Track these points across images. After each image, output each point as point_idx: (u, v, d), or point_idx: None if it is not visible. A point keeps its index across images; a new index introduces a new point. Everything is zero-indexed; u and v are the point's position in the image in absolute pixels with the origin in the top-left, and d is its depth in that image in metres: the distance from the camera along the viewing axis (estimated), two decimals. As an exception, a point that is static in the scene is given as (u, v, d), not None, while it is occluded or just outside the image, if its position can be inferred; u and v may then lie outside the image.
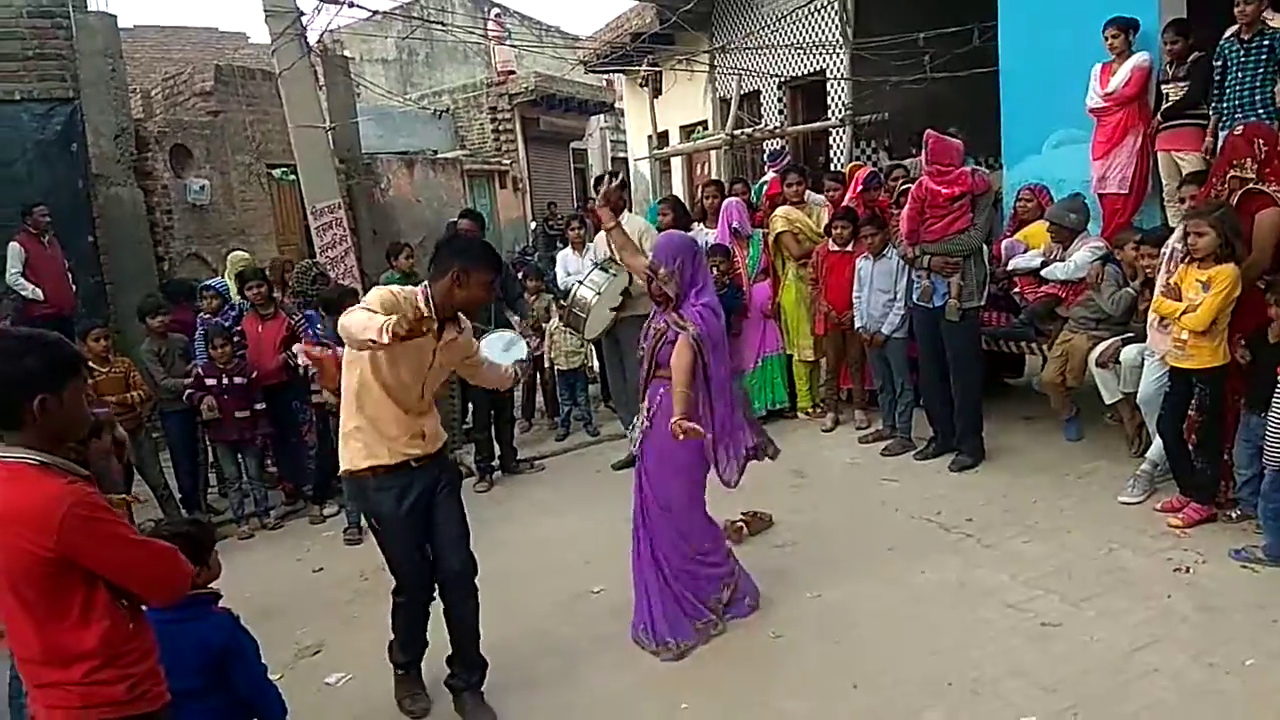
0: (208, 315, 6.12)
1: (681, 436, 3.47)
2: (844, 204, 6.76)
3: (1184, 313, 4.17)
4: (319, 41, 8.06)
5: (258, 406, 5.81)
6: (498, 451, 6.37)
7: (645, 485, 3.85)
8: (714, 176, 10.84)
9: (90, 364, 5.15)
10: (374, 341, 2.82)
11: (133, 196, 9.08)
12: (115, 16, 9.23)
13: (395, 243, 6.93)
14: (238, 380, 5.68)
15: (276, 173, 11.23)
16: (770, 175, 8.29)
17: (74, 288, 8.01)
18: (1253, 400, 4.10)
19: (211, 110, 10.61)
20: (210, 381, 5.63)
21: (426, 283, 3.23)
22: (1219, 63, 5.44)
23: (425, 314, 2.90)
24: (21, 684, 3.22)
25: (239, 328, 5.96)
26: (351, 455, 3.27)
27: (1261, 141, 4.35)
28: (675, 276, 3.66)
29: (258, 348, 5.87)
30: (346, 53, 14.20)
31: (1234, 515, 4.32)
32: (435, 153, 16.10)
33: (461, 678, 3.49)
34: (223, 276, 7.30)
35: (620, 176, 4.81)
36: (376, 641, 4.10)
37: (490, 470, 6.20)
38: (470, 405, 6.45)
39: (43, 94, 8.55)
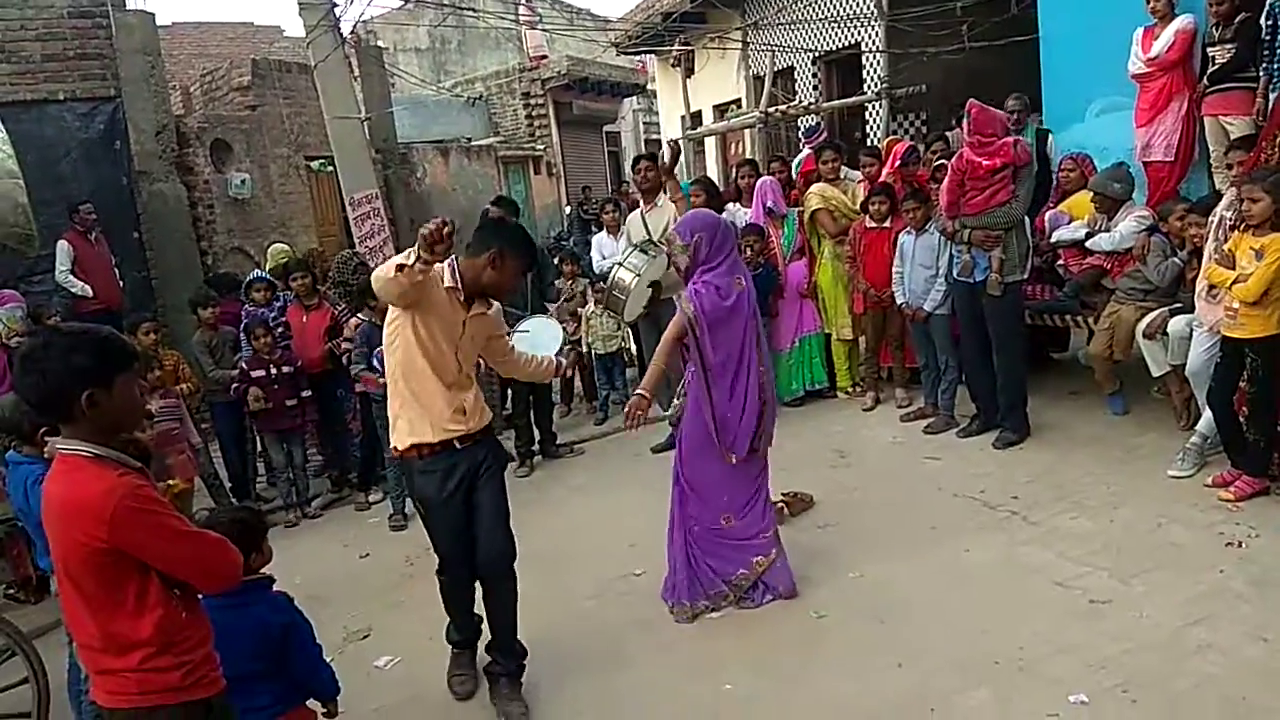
0: (253, 308, 6.22)
1: (628, 415, 3.66)
2: (882, 179, 6.66)
3: (1235, 282, 4.06)
4: (353, 33, 8.11)
5: (304, 394, 5.90)
6: (537, 436, 6.41)
7: (677, 462, 3.96)
8: (748, 155, 10.73)
9: (151, 354, 5.27)
10: (402, 270, 2.92)
11: (175, 192, 9.24)
12: (153, 14, 9.37)
13: (486, 209, 6.88)
14: (285, 370, 5.78)
15: (314, 164, 11.35)
16: (806, 151, 8.20)
17: (121, 283, 8.18)
18: None
19: (250, 104, 10.74)
20: (258, 373, 5.72)
21: (454, 256, 3.28)
22: (1269, 22, 5.26)
23: (446, 230, 2.91)
24: (80, 671, 3.33)
25: (284, 319, 6.05)
26: (398, 436, 3.35)
27: (1312, 104, 4.22)
28: (688, 251, 3.70)
29: (302, 337, 5.96)
30: (380, 43, 14.25)
31: None
32: (469, 140, 16.16)
33: (498, 664, 3.52)
34: (263, 269, 7.41)
35: (675, 146, 4.73)
36: (423, 625, 4.18)
37: (531, 455, 6.25)
38: (509, 391, 6.49)
39: (85, 93, 8.72)
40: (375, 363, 5.39)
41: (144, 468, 2.14)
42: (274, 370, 5.73)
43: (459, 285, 3.23)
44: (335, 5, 7.22)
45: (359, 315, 5.73)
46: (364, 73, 11.09)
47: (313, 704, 2.79)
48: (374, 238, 7.47)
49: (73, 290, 7.60)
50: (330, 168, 10.22)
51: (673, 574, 3.97)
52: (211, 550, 2.13)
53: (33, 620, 4.39)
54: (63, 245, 7.61)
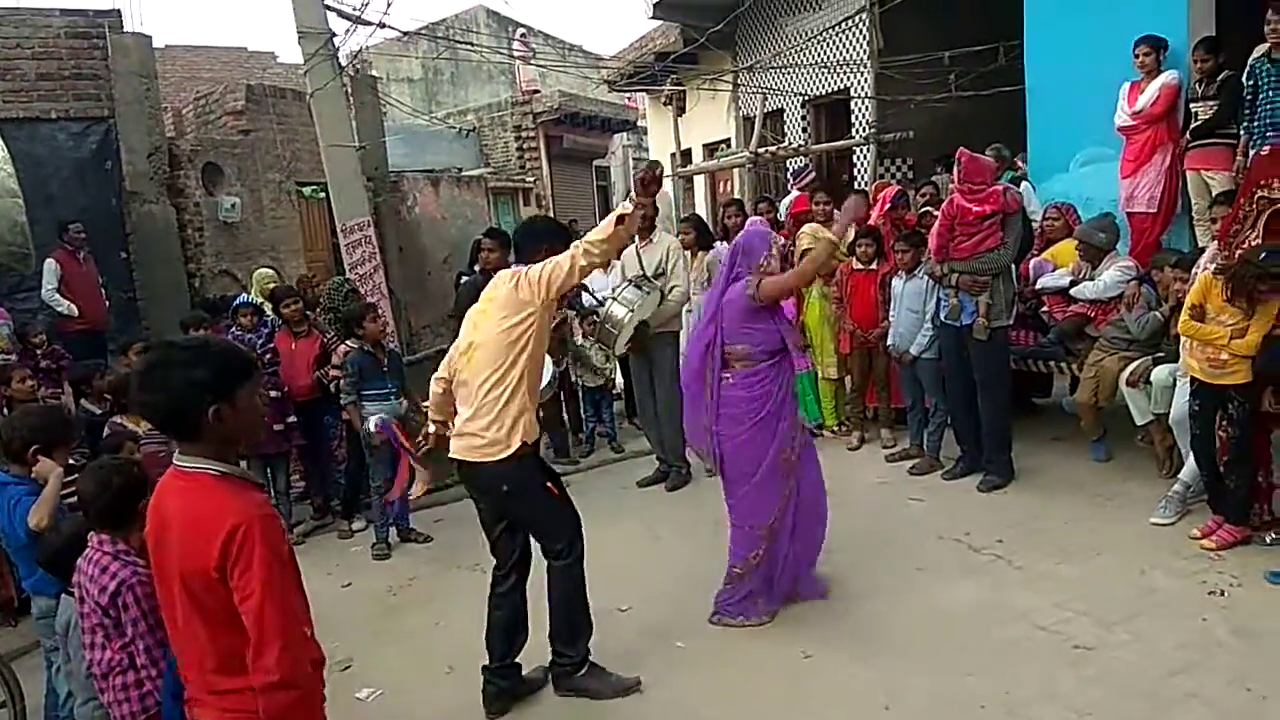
0: (240, 332, 6.20)
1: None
2: (871, 223, 6.76)
3: (1234, 337, 4.14)
4: (350, 62, 8.17)
5: (290, 421, 5.88)
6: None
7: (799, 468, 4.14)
8: (736, 195, 10.86)
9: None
10: (622, 220, 3.24)
11: (165, 214, 9.25)
12: (150, 37, 9.44)
13: (477, 240, 6.92)
14: (272, 394, 5.74)
15: (306, 190, 11.38)
16: (794, 193, 8.31)
17: (107, 303, 8.14)
18: None
19: (242, 129, 10.78)
20: (242, 397, 5.68)
21: (514, 267, 3.50)
22: (1250, 82, 5.43)
23: (659, 171, 3.37)
24: (59, 695, 3.28)
25: (271, 345, 6.03)
26: (525, 433, 3.41)
27: (1290, 162, 4.34)
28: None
29: (291, 364, 5.93)
30: (374, 72, 14.37)
31: (1269, 539, 4.27)
32: (460, 170, 16.25)
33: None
34: (249, 293, 7.39)
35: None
36: (406, 656, 4.15)
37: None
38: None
39: (79, 113, 8.75)
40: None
41: (263, 485, 2.11)
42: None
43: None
44: (334, 35, 7.27)
45: (348, 343, 5.73)
46: (358, 101, 11.14)
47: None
48: (364, 265, 7.47)
49: (58, 309, 7.55)
50: (321, 194, 10.25)
51: (756, 589, 4.06)
52: (293, 617, 1.97)
53: (9, 643, 4.32)
54: (50, 263, 7.58)
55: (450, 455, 3.53)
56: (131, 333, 7.84)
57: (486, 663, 3.62)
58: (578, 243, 3.41)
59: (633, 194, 3.32)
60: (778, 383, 3.96)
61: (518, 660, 3.66)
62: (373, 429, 5.23)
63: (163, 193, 9.26)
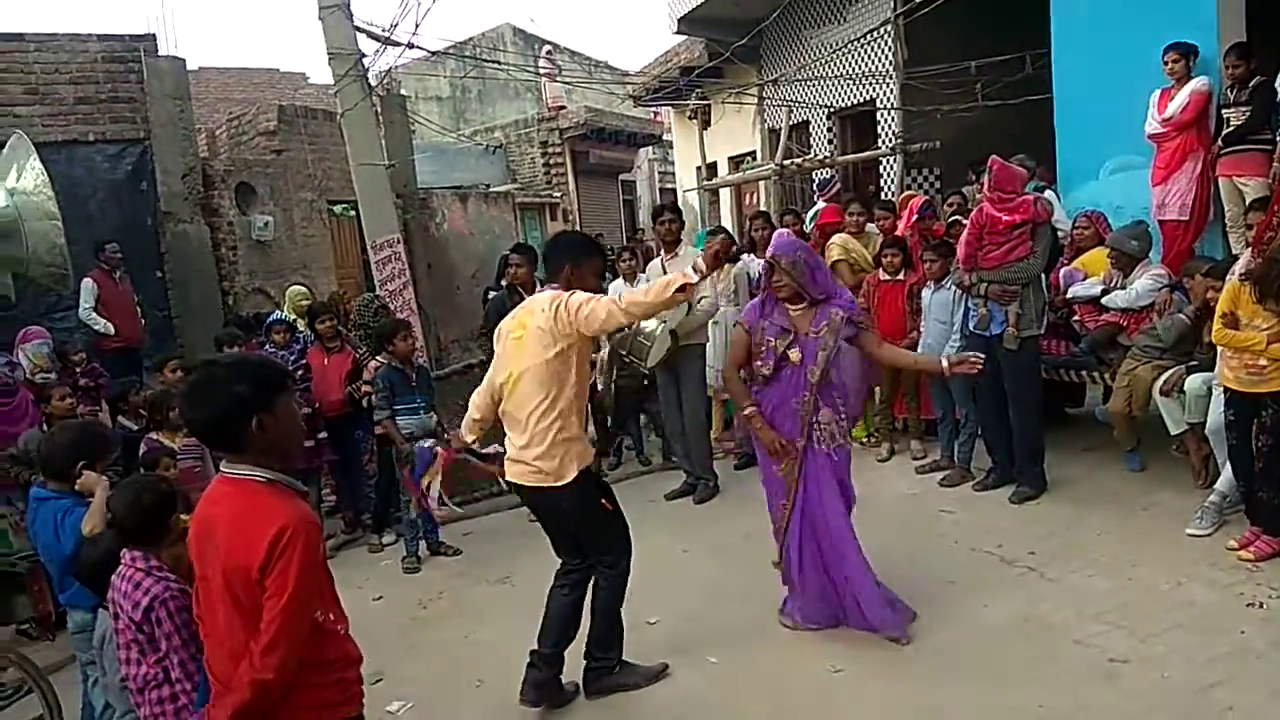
0: (272, 349, 6.29)
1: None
2: (898, 233, 6.73)
3: (1271, 342, 4.08)
4: (380, 82, 8.29)
5: (320, 436, 5.94)
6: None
7: (840, 488, 4.04)
8: (762, 208, 10.86)
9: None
10: (684, 289, 3.20)
11: (199, 233, 9.41)
12: (184, 60, 9.63)
13: (504, 255, 6.97)
14: (302, 411, 5.81)
15: (337, 208, 11.54)
16: (820, 204, 8.30)
17: (143, 322, 8.28)
18: None
19: (275, 149, 10.95)
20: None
21: (550, 283, 3.57)
22: (1283, 87, 5.36)
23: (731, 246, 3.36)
24: (95, 709, 3.33)
25: (303, 360, 6.10)
26: (578, 464, 3.47)
27: (1321, 166, 4.27)
28: (796, 267, 3.81)
29: (323, 380, 6.00)
30: (403, 91, 14.56)
31: None
32: (488, 186, 16.39)
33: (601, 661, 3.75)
34: (282, 310, 7.49)
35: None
36: (437, 669, 4.17)
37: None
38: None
39: (115, 135, 8.94)
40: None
41: (308, 492, 2.25)
42: (291, 411, 5.77)
43: None
44: (363, 56, 7.38)
45: (378, 358, 5.79)
46: (387, 120, 11.30)
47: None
48: (394, 281, 7.56)
49: (95, 327, 7.70)
50: (352, 212, 10.38)
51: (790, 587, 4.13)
52: (300, 633, 2.05)
53: (47, 657, 4.39)
54: (87, 283, 7.73)
55: (508, 480, 3.62)
56: (167, 350, 7.96)
57: (535, 648, 3.68)
58: (627, 295, 3.42)
59: (699, 262, 3.30)
60: (764, 395, 3.96)
61: (563, 654, 3.70)
62: (426, 445, 5.24)
63: (197, 212, 9.43)
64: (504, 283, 6.75)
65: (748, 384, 4.06)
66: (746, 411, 3.93)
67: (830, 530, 3.94)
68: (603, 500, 3.59)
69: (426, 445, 4.92)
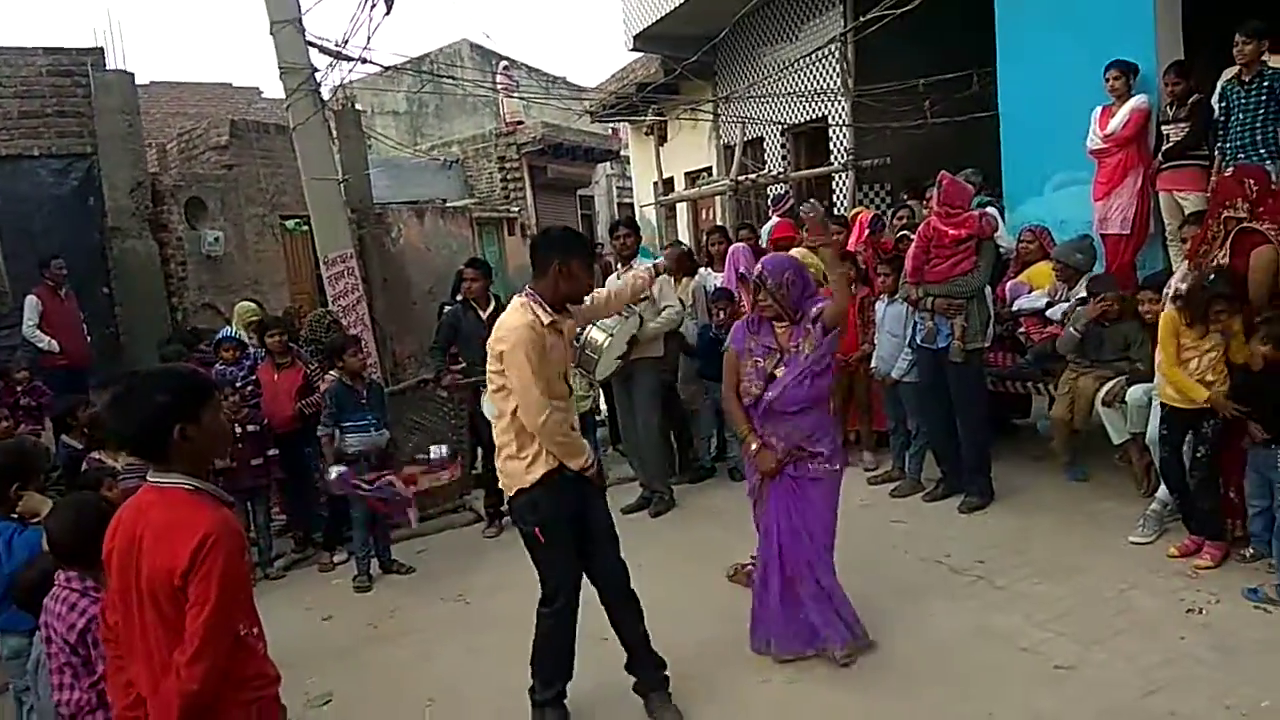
0: (221, 366, 6.19)
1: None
2: (849, 247, 6.82)
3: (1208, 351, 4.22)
4: (332, 97, 8.23)
5: (270, 454, 5.85)
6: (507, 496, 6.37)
7: (813, 516, 3.88)
8: (718, 222, 10.93)
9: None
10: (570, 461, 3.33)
11: (148, 249, 9.25)
12: (133, 74, 9.48)
13: (459, 270, 6.88)
14: (250, 428, 5.73)
15: (289, 223, 11.41)
16: (775, 220, 8.38)
17: (88, 339, 8.11)
18: (1269, 431, 4.13)
19: (226, 164, 10.82)
20: (223, 432, 5.66)
21: (528, 288, 3.40)
22: (1221, 104, 5.52)
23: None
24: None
25: (253, 376, 6.02)
26: (531, 470, 3.38)
27: (1252, 181, 4.43)
28: (782, 289, 3.77)
29: (273, 395, 5.92)
30: (358, 105, 14.46)
31: (1247, 554, 4.29)
32: (445, 201, 16.31)
33: (643, 681, 3.59)
34: (231, 327, 7.38)
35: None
36: (386, 690, 4.12)
37: (500, 515, 6.18)
38: (480, 449, 6.47)
39: (61, 150, 8.78)
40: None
41: (233, 504, 2.24)
42: (239, 429, 5.68)
43: (554, 315, 3.36)
44: (315, 70, 7.32)
45: (330, 374, 5.73)
46: (342, 135, 11.22)
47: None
48: (347, 296, 7.48)
49: (39, 345, 7.53)
50: (305, 227, 10.27)
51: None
52: (223, 646, 2.03)
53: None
54: (31, 299, 7.57)
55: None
56: (115, 368, 7.81)
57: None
58: (551, 430, 3.30)
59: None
60: (754, 414, 3.91)
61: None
62: (332, 477, 5.24)
63: (145, 228, 9.27)
64: (459, 298, 6.72)
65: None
66: (753, 447, 3.84)
67: (797, 552, 3.86)
68: (536, 529, 3.44)
69: (335, 471, 4.96)
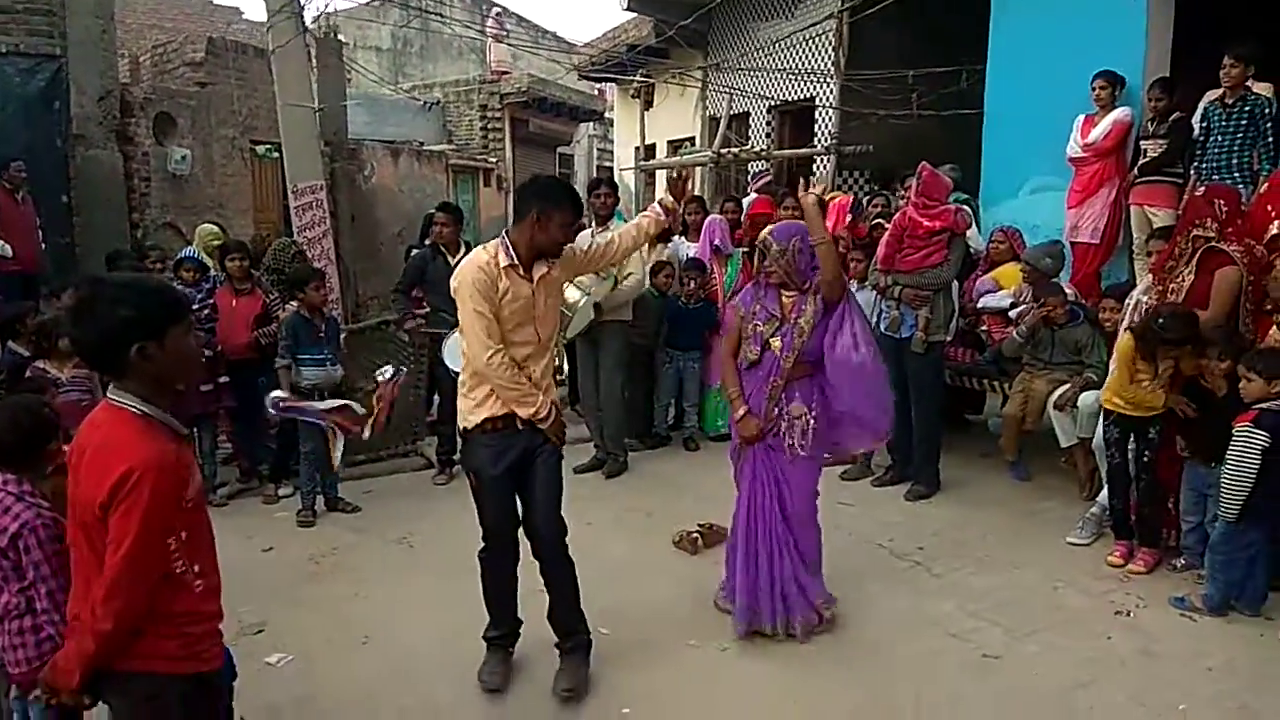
0: (181, 286, 6.04)
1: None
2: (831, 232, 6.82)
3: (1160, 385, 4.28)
4: (315, 22, 8.03)
5: (221, 380, 5.76)
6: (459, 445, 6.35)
7: (785, 492, 3.83)
8: (697, 193, 10.89)
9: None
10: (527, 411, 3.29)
11: (112, 160, 8.99)
12: (109, -23, 9.14)
13: (429, 213, 6.79)
14: (204, 353, 5.61)
15: (260, 149, 11.16)
16: (753, 195, 8.37)
17: (43, 246, 7.88)
18: (1195, 450, 4.24)
19: (200, 81, 10.53)
20: (174, 354, 5.55)
21: (504, 232, 3.34)
22: (1202, 124, 5.59)
23: None
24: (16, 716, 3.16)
25: (211, 300, 5.89)
26: (470, 412, 3.38)
27: (1222, 202, 4.50)
28: (786, 255, 3.71)
29: (229, 322, 5.80)
30: (341, 37, 14.13)
31: (1178, 564, 4.41)
32: (422, 144, 16.05)
33: (563, 642, 3.55)
34: (194, 248, 7.21)
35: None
36: (322, 625, 4.10)
37: (452, 464, 6.16)
38: (436, 397, 6.43)
39: (29, 49, 8.46)
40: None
41: (187, 434, 2.12)
42: (195, 353, 5.57)
43: (516, 261, 3.27)
44: (301, -8, 7.13)
45: (289, 305, 5.63)
46: (321, 64, 10.94)
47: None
48: (314, 229, 7.35)
49: (-9, 248, 7.29)
50: (276, 154, 10.05)
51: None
52: (141, 587, 1.96)
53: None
54: (-14, 201, 7.32)
55: None
56: (68, 277, 7.60)
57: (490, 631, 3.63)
58: (503, 379, 3.28)
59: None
60: (748, 380, 3.85)
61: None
62: (270, 408, 5.17)
63: (111, 139, 9.00)
64: (428, 242, 6.63)
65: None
66: (739, 412, 3.80)
67: (773, 531, 3.83)
68: (471, 473, 3.48)
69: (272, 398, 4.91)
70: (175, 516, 1.98)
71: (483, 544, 3.53)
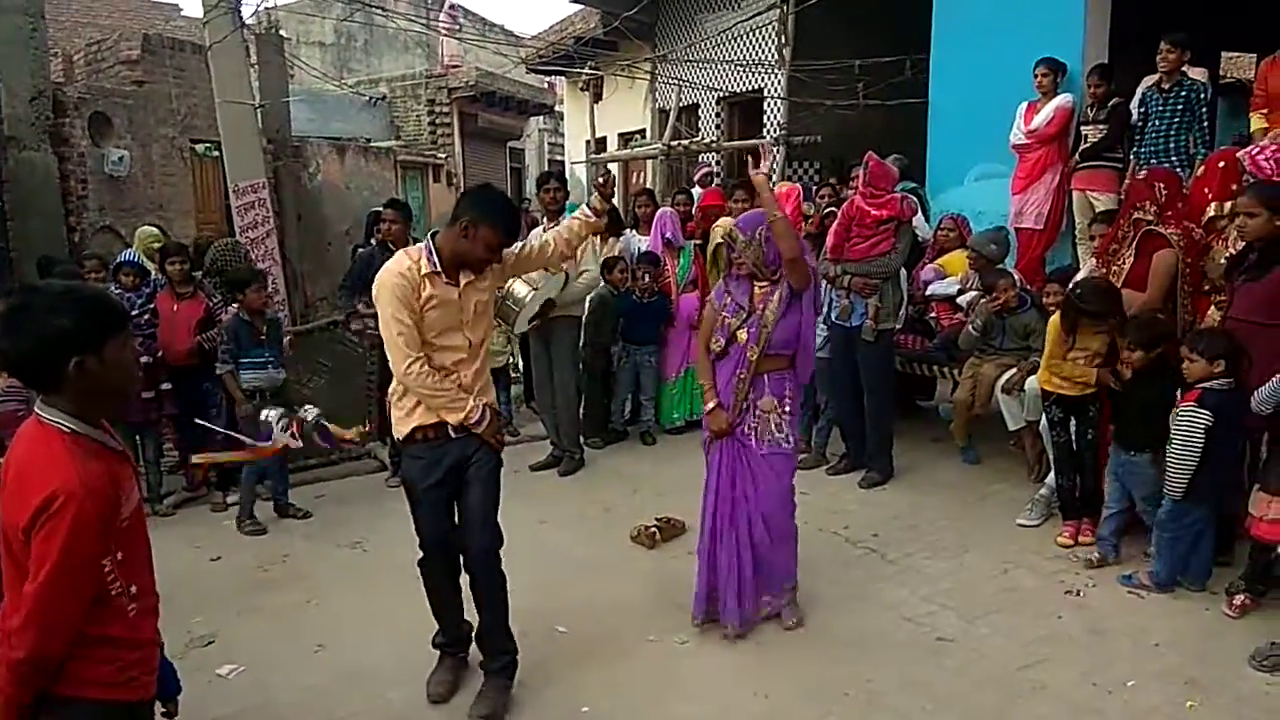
0: (120, 291, 5.88)
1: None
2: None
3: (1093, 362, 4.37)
4: (253, 17, 7.87)
5: (163, 387, 5.62)
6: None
7: (750, 492, 3.76)
8: (648, 186, 10.88)
9: None
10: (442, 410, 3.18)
11: (46, 162, 8.72)
12: (37, -26, 8.86)
13: (375, 211, 6.70)
14: (144, 360, 5.47)
15: (200, 148, 10.92)
16: (698, 190, 8.38)
17: (-26, 253, 7.64)
18: (1120, 436, 4.33)
19: (136, 80, 10.26)
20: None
21: (431, 233, 3.25)
22: (1140, 109, 5.70)
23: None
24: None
25: (151, 305, 5.74)
26: (400, 420, 3.29)
27: (1162, 185, 4.58)
28: (753, 245, 3.65)
29: (171, 327, 5.65)
30: (283, 32, 13.87)
31: (1093, 558, 4.38)
32: (369, 141, 15.83)
33: (487, 661, 3.45)
34: (133, 251, 7.03)
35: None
36: (273, 633, 4.02)
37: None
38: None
39: (-47, 49, 8.17)
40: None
41: (125, 451, 1.99)
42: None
43: (439, 268, 3.15)
44: (237, -13, 6.99)
45: (231, 308, 5.51)
46: (262, 60, 10.74)
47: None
48: (257, 228, 7.21)
49: (-83, 256, 7.05)
50: (216, 153, 9.84)
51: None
52: (59, 614, 1.84)
53: None
54: (-90, 206, 7.07)
55: None
56: (2, 285, 7.37)
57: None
58: (422, 382, 3.17)
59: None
60: (717, 372, 3.83)
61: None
62: (275, 425, 4.92)
63: (44, 140, 8.73)
64: (374, 240, 6.53)
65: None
66: (709, 405, 3.77)
67: (735, 527, 3.77)
68: (405, 485, 3.42)
69: (273, 417, 4.67)
70: (106, 539, 1.86)
71: (420, 554, 3.45)
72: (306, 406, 4.01)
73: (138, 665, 2.01)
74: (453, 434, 3.25)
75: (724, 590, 3.80)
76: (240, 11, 6.98)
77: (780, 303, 3.65)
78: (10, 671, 1.83)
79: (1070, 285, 4.67)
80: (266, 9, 8.81)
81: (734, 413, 3.73)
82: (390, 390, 3.36)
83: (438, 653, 3.57)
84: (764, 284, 3.72)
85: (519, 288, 5.37)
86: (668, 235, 6.82)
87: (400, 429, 3.31)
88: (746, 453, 3.76)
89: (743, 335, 3.70)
